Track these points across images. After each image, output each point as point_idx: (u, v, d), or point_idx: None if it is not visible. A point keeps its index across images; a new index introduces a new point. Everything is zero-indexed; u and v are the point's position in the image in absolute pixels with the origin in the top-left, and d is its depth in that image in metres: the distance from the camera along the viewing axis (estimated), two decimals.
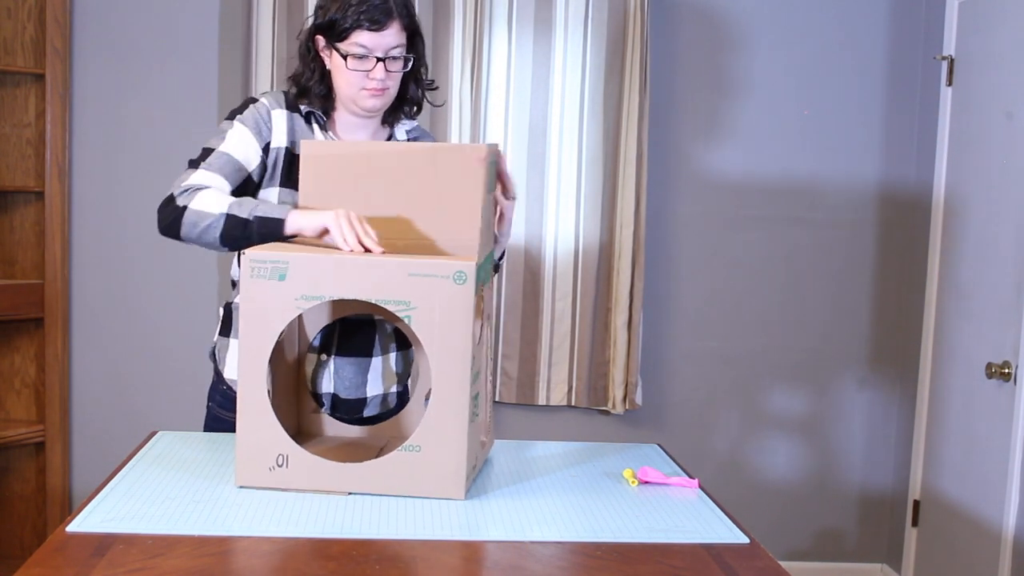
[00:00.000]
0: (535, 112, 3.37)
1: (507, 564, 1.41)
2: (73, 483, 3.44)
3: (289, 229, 1.75)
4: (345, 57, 1.89)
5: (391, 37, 1.89)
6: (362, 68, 1.89)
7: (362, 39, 1.87)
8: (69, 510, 3.37)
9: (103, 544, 1.39)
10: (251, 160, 1.92)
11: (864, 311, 3.61)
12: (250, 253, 1.63)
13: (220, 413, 2.04)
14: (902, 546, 3.50)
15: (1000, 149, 2.97)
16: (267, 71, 3.24)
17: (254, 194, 1.95)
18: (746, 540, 1.53)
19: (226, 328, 2.06)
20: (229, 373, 2.03)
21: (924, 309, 3.40)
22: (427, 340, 1.56)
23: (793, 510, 3.65)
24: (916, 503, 3.42)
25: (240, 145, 1.91)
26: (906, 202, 3.57)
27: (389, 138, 2.04)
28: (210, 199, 1.80)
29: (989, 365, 2.89)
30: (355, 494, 1.61)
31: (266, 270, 1.60)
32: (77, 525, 1.45)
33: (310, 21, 1.96)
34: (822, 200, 3.56)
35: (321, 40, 1.93)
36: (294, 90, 1.99)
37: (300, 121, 1.97)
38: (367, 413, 2.03)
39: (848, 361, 3.62)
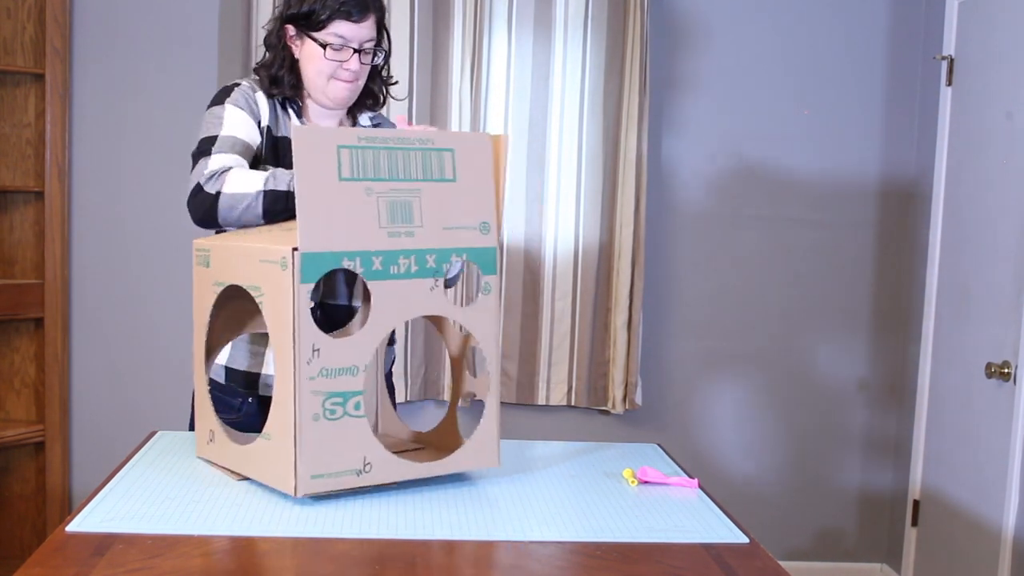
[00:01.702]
0: (535, 112, 3.37)
1: (507, 564, 1.41)
2: (73, 483, 3.44)
3: None
4: (324, 47, 1.91)
5: (367, 30, 1.93)
6: (338, 58, 1.92)
7: (340, 29, 1.91)
8: (69, 510, 3.37)
9: (103, 544, 1.39)
10: (254, 138, 1.94)
11: (864, 310, 3.61)
12: (195, 241, 1.72)
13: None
14: (902, 546, 3.50)
15: (1000, 149, 2.97)
16: None
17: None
18: (746, 540, 1.53)
19: None
20: (220, 359, 2.02)
21: (924, 309, 3.40)
22: (269, 327, 1.55)
23: (793, 510, 3.65)
24: (916, 503, 3.42)
25: (242, 125, 1.92)
26: (906, 202, 3.57)
27: (354, 123, 2.08)
28: (241, 179, 1.80)
29: (989, 365, 2.89)
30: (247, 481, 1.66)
31: (200, 257, 1.70)
32: (77, 525, 1.45)
33: (278, 11, 1.99)
34: (822, 200, 3.56)
35: (291, 29, 1.95)
36: (266, 81, 2.00)
37: (276, 105, 2.00)
38: (263, 392, 2.02)
39: (848, 360, 3.62)
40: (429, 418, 3.41)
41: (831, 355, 3.61)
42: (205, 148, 1.88)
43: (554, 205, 3.40)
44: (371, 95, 2.07)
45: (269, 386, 1.98)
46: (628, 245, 3.38)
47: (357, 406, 1.56)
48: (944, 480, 3.24)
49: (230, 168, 1.82)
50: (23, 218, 3.33)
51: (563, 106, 3.38)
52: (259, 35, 3.24)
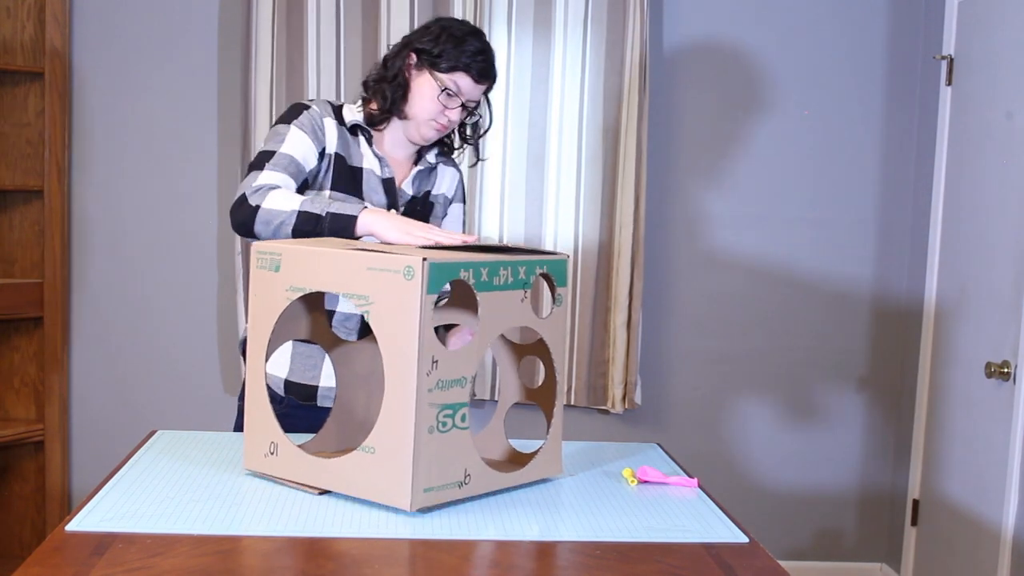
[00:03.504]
0: (535, 112, 3.37)
1: (507, 564, 1.41)
2: (72, 482, 3.44)
3: (360, 228, 1.81)
4: (442, 89, 1.99)
5: (480, 91, 2.04)
6: (448, 104, 2.01)
7: (462, 82, 2.00)
8: (68, 509, 3.37)
9: (102, 543, 1.39)
10: (310, 161, 1.99)
11: (864, 310, 3.61)
12: (255, 244, 1.67)
13: None
14: (901, 545, 3.50)
15: (1000, 149, 2.97)
16: (266, 70, 3.24)
17: (305, 191, 2.02)
18: (745, 539, 1.53)
19: None
20: (268, 368, 2.04)
21: (923, 308, 3.40)
22: (380, 337, 1.53)
23: (792, 509, 3.65)
24: (915, 502, 3.42)
25: (300, 146, 1.97)
26: (905, 201, 3.57)
27: (418, 158, 2.15)
28: (281, 197, 1.86)
29: (988, 364, 2.89)
30: (328, 493, 1.61)
31: (266, 261, 1.64)
32: (76, 524, 1.45)
33: (407, 37, 2.07)
34: (822, 200, 3.56)
35: (414, 58, 2.02)
36: (381, 95, 2.05)
37: (344, 131, 2.05)
38: (321, 403, 2.07)
39: (848, 360, 3.62)
40: None
41: (831, 354, 3.61)
42: (260, 162, 1.95)
43: (554, 205, 3.40)
44: (445, 141, 2.17)
45: (328, 397, 2.05)
46: (628, 245, 3.38)
47: (463, 418, 1.57)
48: (944, 480, 3.24)
49: (277, 187, 1.89)
50: (23, 217, 3.33)
51: (563, 106, 3.38)
52: (259, 35, 3.24)
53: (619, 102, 3.35)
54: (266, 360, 1.68)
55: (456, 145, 2.19)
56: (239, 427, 2.09)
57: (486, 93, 2.09)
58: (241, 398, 2.10)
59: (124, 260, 3.40)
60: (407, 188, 2.11)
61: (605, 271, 3.42)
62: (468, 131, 2.17)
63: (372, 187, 2.06)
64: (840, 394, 3.63)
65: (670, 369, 3.58)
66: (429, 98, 2.01)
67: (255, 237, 1.89)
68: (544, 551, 1.45)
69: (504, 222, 3.40)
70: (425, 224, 1.80)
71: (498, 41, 3.34)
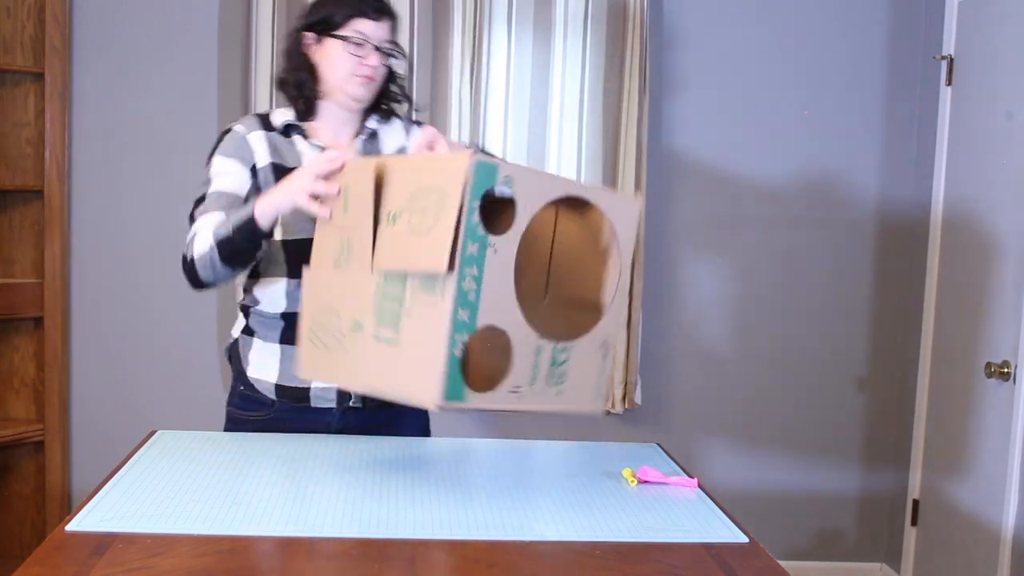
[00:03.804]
0: (535, 112, 3.37)
1: (506, 564, 1.41)
2: (72, 482, 3.44)
3: (260, 220, 1.80)
4: (344, 39, 1.95)
5: (384, 30, 1.98)
6: (359, 53, 1.96)
7: (360, 26, 1.95)
8: (68, 509, 3.37)
9: (102, 543, 1.39)
10: (242, 187, 1.96)
11: (864, 310, 3.61)
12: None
13: (240, 415, 2.05)
14: (901, 545, 3.50)
15: (1000, 149, 2.97)
16: (266, 70, 3.24)
17: None
18: (745, 539, 1.53)
19: (248, 328, 2.07)
20: (253, 372, 2.04)
21: (923, 308, 3.40)
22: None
23: (792, 509, 3.65)
24: (915, 502, 3.42)
25: (228, 177, 1.96)
26: (906, 201, 3.57)
27: (362, 128, 2.07)
28: (202, 239, 1.88)
29: (988, 364, 2.89)
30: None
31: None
32: (76, 524, 1.45)
33: (295, 24, 2.03)
34: (822, 200, 3.56)
35: (310, 36, 1.99)
36: (292, 89, 2.02)
37: (278, 137, 2.01)
38: (315, 404, 2.03)
39: (848, 360, 3.62)
40: None
41: (831, 354, 3.61)
42: (193, 212, 1.96)
43: None
44: (387, 98, 2.09)
45: (321, 398, 2.02)
46: None
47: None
48: (944, 480, 3.24)
49: (197, 231, 1.90)
50: (23, 217, 3.33)
51: (563, 106, 3.37)
52: (259, 34, 3.24)
53: (619, 102, 3.35)
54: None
55: (398, 99, 2.11)
56: (229, 429, 2.08)
57: (394, 31, 2.03)
58: (230, 403, 2.09)
59: (124, 260, 3.40)
60: None
61: None
62: (395, 88, 2.09)
63: None
64: (840, 394, 3.63)
65: (670, 369, 3.58)
66: (339, 56, 1.96)
67: (209, 286, 1.92)
68: (544, 551, 1.45)
69: None
70: (306, 168, 1.75)
71: (498, 41, 3.34)
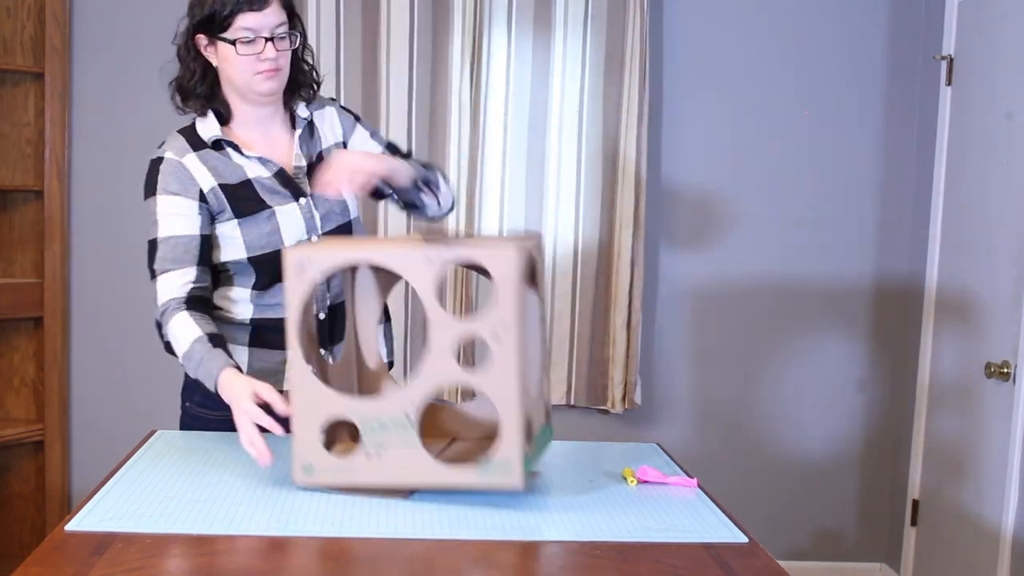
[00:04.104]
0: (535, 111, 3.37)
1: (506, 563, 1.41)
2: (72, 482, 3.44)
3: (220, 392, 1.77)
4: (234, 43, 1.87)
5: (273, 16, 1.88)
6: (252, 51, 1.88)
7: (246, 21, 1.86)
8: (68, 509, 3.37)
9: (102, 543, 1.39)
10: (194, 224, 1.90)
11: (863, 310, 3.61)
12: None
13: (201, 412, 2.04)
14: (901, 545, 3.50)
15: (1000, 149, 2.97)
16: None
17: (210, 247, 1.93)
18: (745, 539, 1.53)
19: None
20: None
21: (923, 308, 3.40)
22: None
23: (792, 509, 3.65)
24: (915, 502, 3.42)
25: (177, 219, 1.89)
26: (905, 201, 3.57)
27: (292, 120, 2.02)
28: (177, 344, 1.87)
29: (988, 364, 2.89)
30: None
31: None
32: (76, 524, 1.45)
33: (184, 23, 1.96)
34: (822, 200, 3.56)
35: (203, 39, 1.92)
36: (178, 97, 1.98)
37: (211, 153, 1.95)
38: None
39: (847, 360, 3.62)
40: None
41: (831, 355, 3.61)
42: (150, 261, 1.89)
43: (554, 204, 3.40)
44: (301, 84, 2.01)
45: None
46: (628, 245, 3.38)
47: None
48: (943, 480, 3.24)
49: (168, 315, 1.86)
50: (22, 217, 3.33)
51: (563, 106, 3.37)
52: None
53: (619, 102, 3.35)
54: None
55: (312, 81, 2.03)
56: (187, 426, 2.08)
57: (291, 14, 1.93)
58: (188, 399, 2.09)
59: (123, 259, 3.40)
60: (299, 162, 1.99)
61: (605, 271, 3.42)
62: (310, 60, 2.02)
63: (269, 191, 1.95)
64: (840, 394, 3.63)
65: (670, 369, 3.58)
66: (234, 59, 1.88)
67: None
68: (544, 551, 1.45)
69: (504, 222, 3.40)
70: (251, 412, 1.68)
71: (498, 41, 3.34)
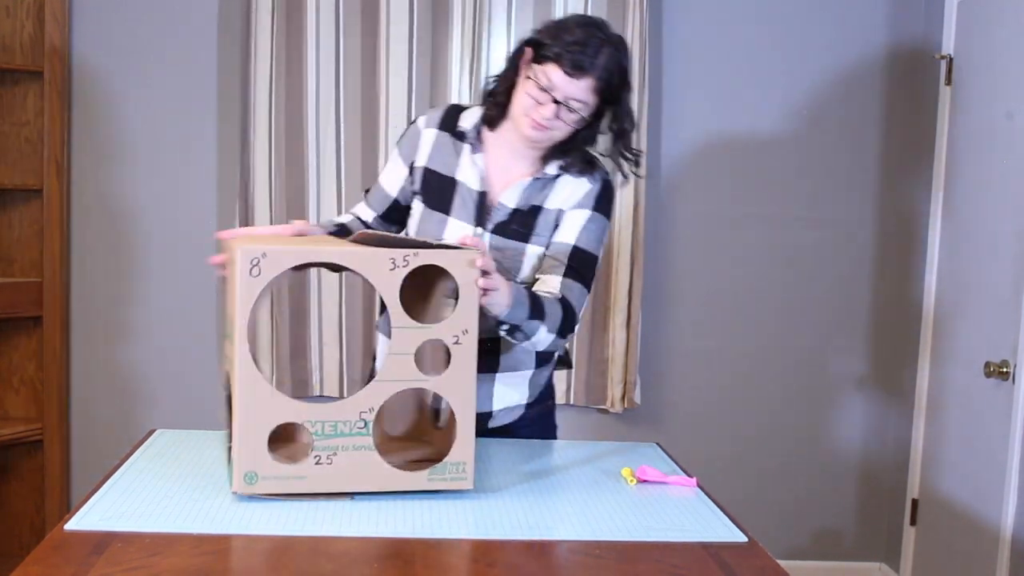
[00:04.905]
0: None
1: (506, 563, 1.41)
2: (71, 481, 3.44)
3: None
4: (528, 78, 1.86)
5: (578, 90, 1.83)
6: (536, 99, 1.85)
7: (553, 75, 1.82)
8: (67, 508, 3.37)
9: (101, 542, 1.39)
10: (393, 187, 2.04)
11: (863, 310, 3.61)
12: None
13: None
14: (900, 545, 3.50)
15: (1000, 149, 2.97)
16: (265, 70, 3.24)
17: (405, 213, 2.06)
18: (745, 539, 1.53)
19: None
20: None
21: (923, 308, 3.40)
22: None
23: (792, 509, 3.65)
24: (914, 502, 3.42)
25: (390, 175, 2.06)
26: (905, 202, 3.57)
27: (539, 171, 1.97)
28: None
29: (988, 364, 2.89)
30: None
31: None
32: (75, 523, 1.45)
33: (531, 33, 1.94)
34: (822, 200, 3.56)
35: (528, 52, 1.89)
36: (489, 95, 1.98)
37: (447, 139, 1.97)
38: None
39: (847, 360, 3.62)
40: None
41: (830, 354, 3.61)
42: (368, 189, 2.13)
43: None
44: (570, 152, 1.95)
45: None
46: (627, 245, 3.38)
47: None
48: (943, 479, 3.24)
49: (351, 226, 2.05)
50: (22, 216, 3.33)
51: None
52: (258, 35, 3.24)
53: None
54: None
55: (599, 154, 1.98)
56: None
57: (604, 101, 1.87)
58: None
59: (123, 258, 3.40)
60: (508, 201, 1.94)
61: (605, 271, 3.42)
62: (588, 140, 1.95)
63: (463, 200, 1.95)
64: (839, 393, 3.63)
65: (670, 369, 3.58)
66: (523, 92, 1.86)
67: None
68: (544, 551, 1.45)
69: None
70: None
71: (498, 41, 3.34)
